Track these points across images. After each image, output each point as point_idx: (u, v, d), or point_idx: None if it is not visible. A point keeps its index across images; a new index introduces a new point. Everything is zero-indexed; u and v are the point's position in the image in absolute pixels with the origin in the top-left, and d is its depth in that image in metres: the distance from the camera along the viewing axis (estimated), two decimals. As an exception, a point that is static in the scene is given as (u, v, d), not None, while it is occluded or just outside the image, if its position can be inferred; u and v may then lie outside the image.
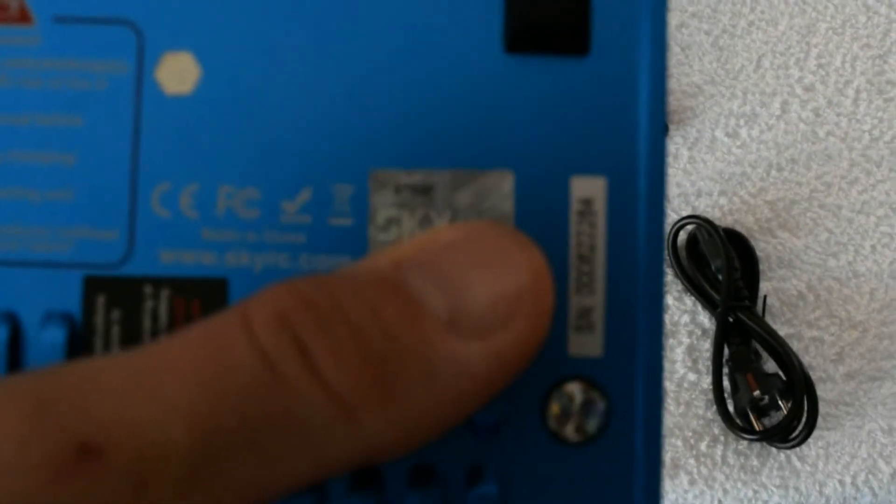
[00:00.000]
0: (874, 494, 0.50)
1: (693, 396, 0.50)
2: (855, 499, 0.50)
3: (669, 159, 0.52)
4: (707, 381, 0.50)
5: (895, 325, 0.51)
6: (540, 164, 0.15)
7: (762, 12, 0.54)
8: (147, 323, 0.15)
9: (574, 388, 0.15)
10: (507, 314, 0.13)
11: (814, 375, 0.48)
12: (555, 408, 0.15)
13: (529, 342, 0.13)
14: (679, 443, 0.49)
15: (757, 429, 0.48)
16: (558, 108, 0.15)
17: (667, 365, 0.50)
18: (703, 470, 0.49)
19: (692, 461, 0.49)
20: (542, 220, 0.15)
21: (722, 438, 0.49)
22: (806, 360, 0.49)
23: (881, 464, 0.50)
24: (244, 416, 0.12)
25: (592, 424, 0.15)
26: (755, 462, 0.49)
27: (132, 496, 0.12)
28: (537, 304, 0.13)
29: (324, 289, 0.13)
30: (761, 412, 0.48)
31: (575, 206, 0.15)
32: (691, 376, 0.50)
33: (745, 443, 0.49)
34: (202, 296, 0.15)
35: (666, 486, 0.49)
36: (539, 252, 0.14)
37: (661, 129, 0.15)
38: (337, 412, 0.13)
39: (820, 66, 0.53)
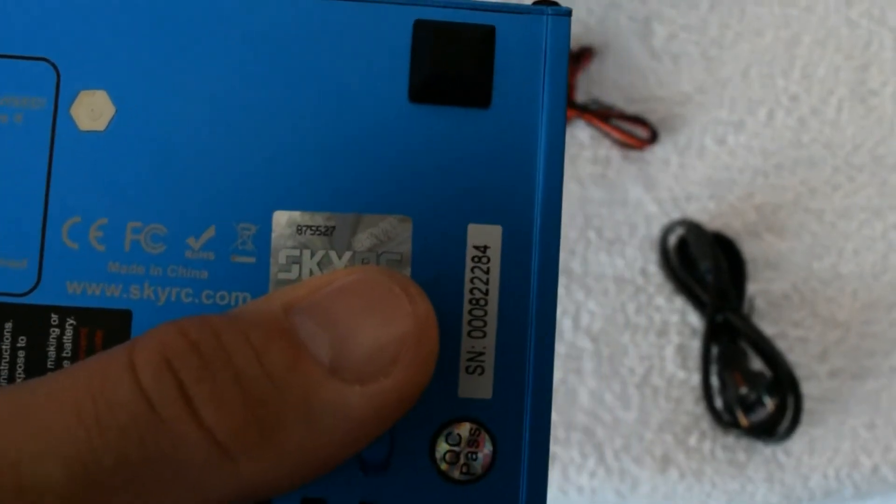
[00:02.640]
0: (856, 487, 0.50)
1: (683, 393, 0.50)
2: (838, 491, 0.50)
3: (661, 165, 0.52)
4: (696, 379, 0.50)
5: (877, 324, 0.51)
6: (438, 211, 0.15)
7: (749, 24, 0.54)
8: (52, 351, 0.15)
9: (462, 429, 0.15)
10: (389, 361, 0.13)
11: (799, 373, 0.49)
12: (443, 447, 0.15)
13: (410, 388, 0.14)
14: (669, 438, 0.50)
15: (744, 424, 0.48)
16: (459, 157, 0.15)
17: (657, 363, 0.51)
18: (693, 464, 0.50)
19: (682, 456, 0.50)
20: (438, 264, 0.15)
21: (710, 434, 0.50)
22: (791, 358, 0.50)
23: (863, 458, 0.50)
24: (123, 456, 0.12)
25: (478, 465, 0.15)
26: (742, 456, 0.50)
27: None
28: (420, 352, 0.13)
29: (210, 331, 0.13)
30: (748, 408, 0.48)
31: (470, 252, 0.15)
32: (681, 374, 0.50)
33: (732, 438, 0.50)
34: (106, 326, 0.15)
35: (656, 480, 0.50)
36: (426, 301, 0.14)
37: (557, 181, 0.15)
38: (215, 454, 0.13)
39: (804, 76, 0.53)
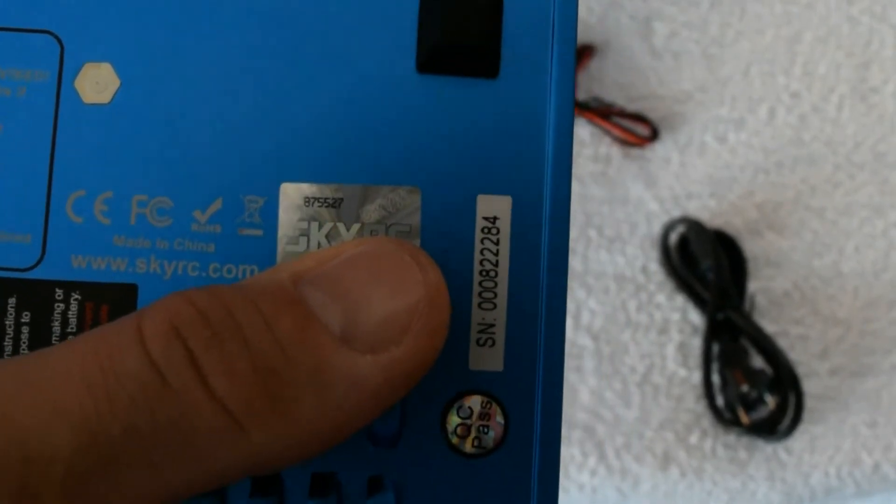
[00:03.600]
0: (857, 485, 0.51)
1: (684, 391, 0.50)
2: (839, 489, 0.50)
3: (661, 163, 0.52)
4: (697, 377, 0.50)
5: (878, 322, 0.51)
6: (447, 182, 0.15)
7: (750, 22, 0.54)
8: (57, 326, 0.15)
9: (473, 402, 0.15)
10: (400, 330, 0.13)
11: (800, 371, 0.49)
12: (454, 420, 0.15)
13: (422, 357, 0.13)
14: (670, 436, 0.50)
15: (745, 422, 0.48)
16: (467, 127, 0.15)
17: (658, 361, 0.51)
18: (694, 462, 0.50)
19: (683, 454, 0.50)
20: (447, 236, 0.15)
21: (711, 432, 0.50)
22: (792, 356, 0.50)
23: (864, 456, 0.50)
24: (131, 425, 0.12)
25: (490, 438, 0.15)
26: (743, 454, 0.50)
27: (15, 498, 0.12)
28: (431, 321, 0.13)
29: (219, 300, 0.13)
30: (749, 406, 0.48)
31: (480, 224, 0.15)
32: (682, 372, 0.50)
33: (733, 436, 0.50)
34: (111, 301, 0.15)
35: (657, 478, 0.50)
36: (436, 270, 0.14)
37: (567, 151, 0.15)
38: (225, 423, 0.13)
39: (805, 73, 0.53)
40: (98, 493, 0.12)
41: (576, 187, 0.51)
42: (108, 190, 0.15)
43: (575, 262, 0.51)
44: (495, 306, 0.15)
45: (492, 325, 0.15)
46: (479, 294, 0.15)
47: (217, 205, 0.15)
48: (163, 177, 0.15)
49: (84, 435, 0.12)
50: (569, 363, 0.51)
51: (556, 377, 0.15)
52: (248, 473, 0.13)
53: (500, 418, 0.15)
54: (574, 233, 0.51)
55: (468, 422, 0.15)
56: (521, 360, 0.15)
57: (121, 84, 0.15)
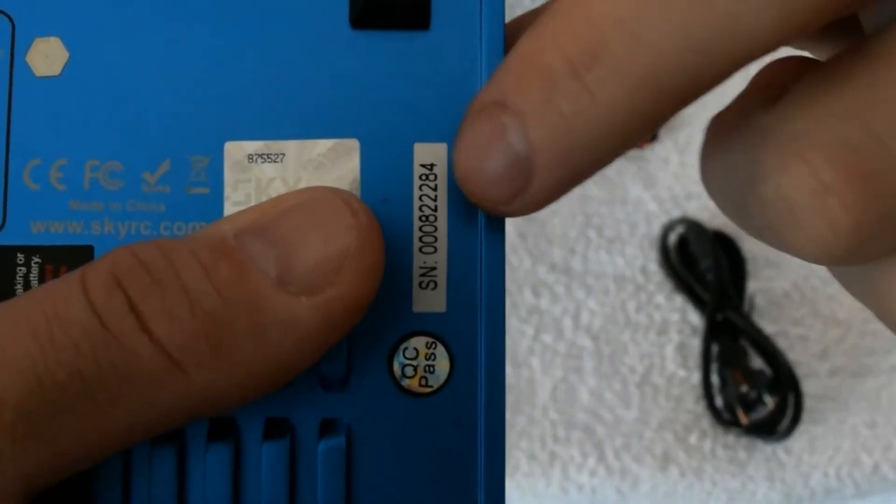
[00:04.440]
0: (857, 486, 0.51)
1: (683, 392, 0.50)
2: (838, 490, 0.51)
3: (661, 163, 0.52)
4: (696, 377, 0.50)
5: (877, 322, 0.51)
6: (384, 132, 0.16)
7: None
8: (20, 289, 0.16)
9: (419, 343, 0.16)
10: (333, 272, 0.14)
11: (799, 371, 0.49)
12: (400, 361, 0.16)
13: (356, 298, 0.14)
14: (670, 436, 0.50)
15: (744, 423, 0.48)
16: (402, 79, 0.16)
17: (658, 361, 0.51)
18: (693, 462, 0.50)
19: (682, 454, 0.50)
20: (386, 184, 0.16)
21: (711, 432, 0.50)
22: (791, 356, 0.50)
23: (864, 456, 0.50)
24: (76, 370, 0.13)
25: (436, 377, 0.16)
26: (743, 455, 0.50)
27: None
28: (363, 262, 0.14)
29: (160, 251, 0.14)
30: (748, 407, 0.49)
31: (418, 171, 0.16)
32: (681, 373, 0.51)
33: (732, 436, 0.50)
34: (70, 262, 0.16)
35: (657, 479, 0.50)
36: (369, 214, 0.14)
37: None
38: (166, 366, 0.13)
39: None
40: (47, 436, 0.13)
41: (575, 188, 0.51)
42: (63, 157, 0.16)
43: (575, 263, 0.51)
44: (436, 250, 0.16)
45: (433, 269, 0.16)
46: (420, 238, 0.16)
47: (165, 166, 0.16)
48: (113, 142, 0.16)
49: (31, 380, 0.13)
50: (568, 363, 0.51)
51: (498, 316, 0.16)
52: (193, 415, 0.14)
53: (445, 358, 0.16)
54: (574, 233, 0.51)
55: (414, 362, 0.16)
56: (463, 301, 0.16)
57: (70, 56, 0.16)
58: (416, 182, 0.16)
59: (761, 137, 0.14)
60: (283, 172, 0.16)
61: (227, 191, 0.16)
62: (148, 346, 0.13)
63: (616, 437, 0.50)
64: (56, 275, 0.16)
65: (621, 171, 0.52)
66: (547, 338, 0.51)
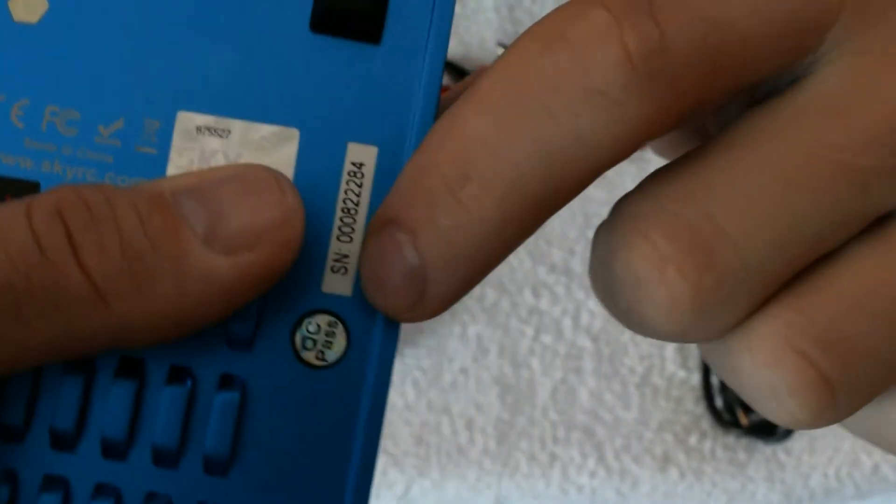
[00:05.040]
0: (857, 486, 0.51)
1: (683, 393, 0.50)
2: (838, 490, 0.51)
3: (660, 164, 0.53)
4: (696, 378, 0.51)
5: None
6: (324, 128, 0.17)
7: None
8: None
9: (322, 320, 0.17)
10: (255, 239, 0.16)
11: (799, 372, 0.50)
12: (302, 333, 0.17)
13: (271, 266, 0.16)
14: (670, 437, 0.50)
15: (744, 424, 0.49)
16: (348, 84, 0.18)
17: (657, 362, 0.51)
18: (693, 464, 0.50)
19: (682, 455, 0.50)
20: (318, 173, 0.17)
21: (710, 433, 0.50)
22: (791, 357, 0.51)
23: (863, 457, 0.51)
24: (9, 283, 0.15)
25: (331, 353, 0.17)
26: (742, 456, 0.50)
27: None
28: (283, 236, 0.16)
29: (102, 194, 0.15)
30: (748, 408, 0.49)
31: (347, 167, 0.17)
32: (681, 373, 0.51)
33: (732, 437, 0.50)
34: (15, 193, 0.17)
35: (657, 480, 0.50)
36: (296, 196, 0.16)
37: (431, 113, 0.18)
38: (91, 294, 0.15)
39: None
40: None
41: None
42: (25, 98, 0.17)
43: (575, 263, 0.51)
44: (352, 240, 0.17)
45: (346, 256, 0.17)
46: (339, 228, 0.17)
47: (119, 123, 0.17)
48: (75, 92, 0.17)
49: None
50: (568, 364, 0.51)
51: None
52: (108, 344, 0.16)
53: (343, 338, 0.17)
54: (574, 233, 0.51)
55: (315, 337, 0.17)
56: None
57: (48, 8, 0.17)
58: (345, 177, 0.17)
59: (613, 219, 0.16)
60: (227, 148, 0.17)
61: (173, 155, 0.17)
62: (78, 273, 0.15)
63: (616, 438, 0.50)
64: (1, 201, 0.17)
65: (621, 172, 0.52)
66: (547, 338, 0.51)
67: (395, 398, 0.51)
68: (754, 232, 0.15)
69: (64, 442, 0.17)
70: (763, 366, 0.16)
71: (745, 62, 0.16)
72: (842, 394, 0.16)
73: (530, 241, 0.53)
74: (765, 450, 0.50)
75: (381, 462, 0.50)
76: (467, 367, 0.51)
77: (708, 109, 0.17)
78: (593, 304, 0.51)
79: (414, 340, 0.52)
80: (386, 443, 0.50)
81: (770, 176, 0.16)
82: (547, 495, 0.50)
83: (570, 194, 0.16)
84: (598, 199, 0.51)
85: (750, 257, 0.15)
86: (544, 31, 0.16)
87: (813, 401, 0.16)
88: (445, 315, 0.53)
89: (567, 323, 0.51)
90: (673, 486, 0.50)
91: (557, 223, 0.52)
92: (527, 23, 0.53)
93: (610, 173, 0.52)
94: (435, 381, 0.51)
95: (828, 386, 0.16)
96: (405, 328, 0.53)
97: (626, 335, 0.51)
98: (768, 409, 0.16)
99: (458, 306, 0.52)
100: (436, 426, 0.51)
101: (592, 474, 0.50)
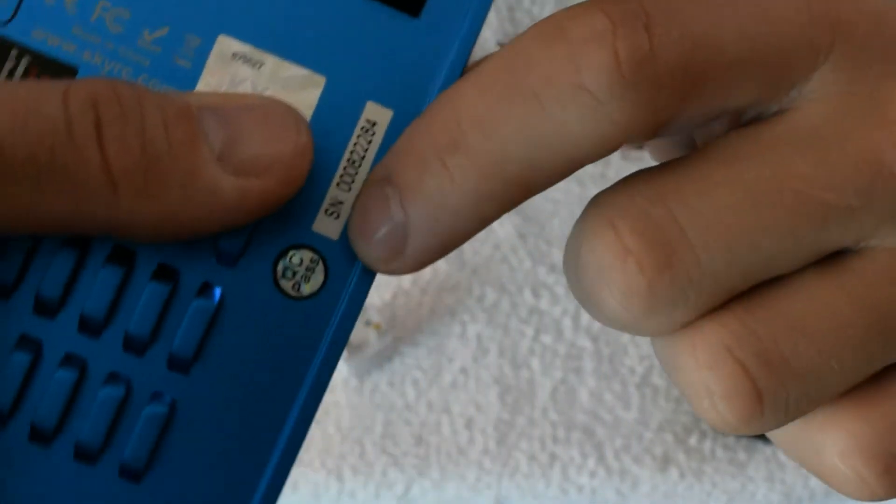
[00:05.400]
0: (856, 487, 0.51)
1: (683, 393, 0.51)
2: (838, 491, 0.51)
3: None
4: (696, 378, 0.51)
5: None
6: (349, 82, 0.19)
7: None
8: (2, 78, 0.19)
9: (305, 255, 0.18)
10: (263, 168, 0.17)
11: (799, 372, 0.50)
12: (285, 262, 0.19)
13: (271, 196, 0.17)
14: (669, 437, 0.50)
15: (744, 424, 0.49)
16: (381, 47, 0.19)
17: (657, 363, 0.51)
18: (693, 463, 0.50)
19: (682, 455, 0.50)
20: (333, 122, 0.19)
21: (711, 433, 0.50)
22: (791, 357, 0.51)
23: (863, 457, 0.51)
24: (33, 154, 0.16)
25: (307, 287, 0.18)
26: (742, 456, 0.50)
27: None
28: (288, 171, 0.17)
29: (135, 92, 0.17)
30: (748, 408, 0.49)
31: (361, 123, 0.19)
32: (681, 373, 0.51)
33: (732, 437, 0.50)
34: (52, 73, 0.18)
35: (657, 479, 0.50)
36: (309, 138, 0.17)
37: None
38: (104, 182, 0.16)
39: None
40: None
41: (575, 189, 0.51)
42: None
43: (574, 264, 0.51)
44: (350, 189, 0.18)
45: (341, 203, 0.18)
46: (341, 176, 0.19)
47: (163, 31, 0.19)
48: None
49: None
50: (568, 364, 0.51)
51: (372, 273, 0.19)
52: (107, 231, 0.17)
53: (320, 276, 0.18)
54: (573, 234, 0.51)
55: (296, 268, 0.18)
56: None
57: None
58: (357, 131, 0.19)
59: (589, 206, 0.18)
60: (256, 78, 0.19)
61: (205, 74, 0.19)
62: (98, 161, 0.16)
63: (616, 439, 0.50)
64: (38, 78, 0.18)
65: (621, 172, 0.52)
66: (547, 339, 0.51)
67: (395, 398, 0.51)
68: (714, 243, 0.17)
69: (46, 308, 0.18)
70: (703, 367, 0.17)
71: (727, 85, 0.17)
72: (769, 406, 0.17)
73: (530, 242, 0.53)
74: (765, 450, 0.50)
75: (381, 462, 0.50)
76: (467, 367, 0.51)
77: (687, 124, 0.18)
78: (593, 305, 0.51)
79: (414, 340, 0.52)
80: (386, 443, 0.50)
81: (738, 194, 0.17)
82: (547, 495, 0.50)
83: (547, 181, 0.17)
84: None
85: (706, 265, 0.17)
86: (549, 26, 0.17)
87: (742, 407, 0.17)
88: (445, 315, 0.53)
89: (567, 323, 0.51)
90: (673, 487, 0.50)
91: (557, 223, 0.52)
92: (526, 23, 0.53)
93: (610, 173, 0.52)
94: (435, 381, 0.51)
95: (758, 397, 0.17)
96: (405, 328, 0.53)
97: (627, 335, 0.51)
98: (701, 407, 0.17)
99: (458, 306, 0.52)
100: (436, 426, 0.51)
101: (592, 474, 0.50)
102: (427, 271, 0.53)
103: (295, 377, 0.18)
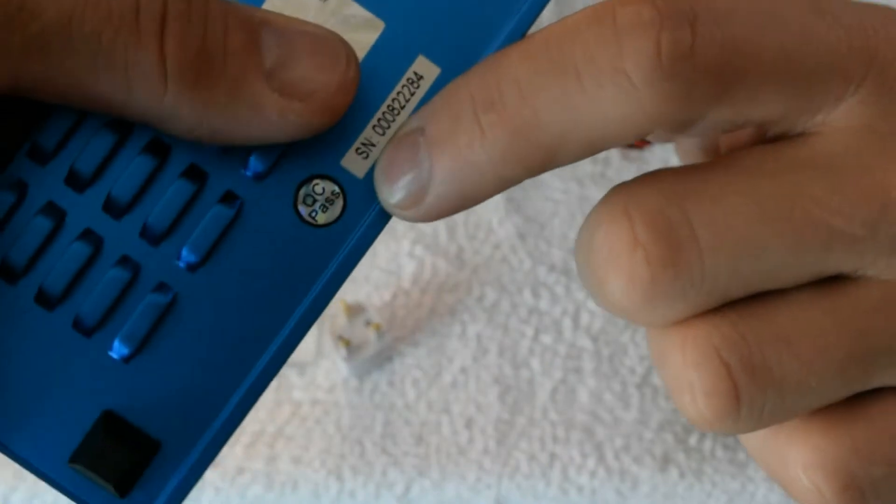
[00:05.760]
0: (856, 487, 0.51)
1: (683, 393, 0.51)
2: (838, 491, 0.51)
3: (660, 164, 0.53)
4: (696, 379, 0.51)
5: None
6: (406, 32, 0.19)
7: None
8: None
9: (328, 185, 0.19)
10: (307, 93, 0.18)
11: (799, 373, 0.50)
12: (307, 188, 0.19)
13: (308, 120, 0.18)
14: (670, 437, 0.50)
15: (744, 424, 0.49)
16: (446, 6, 0.19)
17: (658, 363, 0.51)
18: (693, 464, 0.50)
19: (682, 455, 0.50)
20: (382, 66, 0.19)
21: (710, 433, 0.50)
22: (791, 358, 0.51)
23: (863, 457, 0.51)
24: (98, 30, 0.16)
25: (322, 217, 0.19)
26: (742, 456, 0.50)
27: None
28: (330, 102, 0.18)
29: None
30: (748, 408, 0.49)
31: (409, 74, 0.19)
32: (681, 374, 0.51)
33: (732, 437, 0.50)
34: None
35: (657, 480, 0.50)
36: (357, 75, 0.18)
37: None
38: (157, 73, 0.17)
39: None
40: (40, 58, 0.17)
41: (575, 189, 0.51)
42: None
43: (574, 264, 0.51)
44: (384, 134, 0.19)
45: (373, 145, 0.19)
46: (378, 119, 0.19)
47: None
48: None
49: (63, 13, 0.16)
50: (568, 364, 0.51)
51: (384, 217, 0.19)
52: (147, 120, 0.18)
53: (338, 209, 0.19)
54: (573, 234, 0.51)
55: (317, 196, 0.19)
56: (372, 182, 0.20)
57: None
58: (403, 81, 0.19)
59: (609, 194, 0.19)
60: (320, 10, 0.19)
61: None
62: (156, 50, 0.17)
63: (616, 439, 0.50)
64: None
65: (621, 172, 0.52)
66: (546, 339, 0.51)
67: (395, 398, 0.51)
68: (721, 248, 0.17)
69: (77, 181, 0.19)
70: (690, 363, 0.18)
71: (757, 95, 0.18)
72: (746, 409, 0.18)
73: (530, 241, 0.53)
74: (765, 450, 0.51)
75: (381, 462, 0.50)
76: (467, 367, 0.51)
77: (714, 127, 0.18)
78: (593, 305, 0.51)
79: (414, 340, 0.52)
80: (386, 443, 0.50)
81: (751, 206, 0.18)
82: (547, 495, 0.50)
83: (571, 155, 0.18)
84: (598, 198, 0.51)
85: (709, 268, 0.17)
86: (602, 9, 0.18)
87: (720, 406, 0.18)
88: (445, 315, 0.53)
89: (567, 323, 0.51)
90: (673, 487, 0.50)
91: (557, 223, 0.52)
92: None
93: (610, 173, 0.52)
94: (435, 381, 0.51)
95: (737, 399, 0.18)
96: (405, 328, 0.53)
97: (626, 335, 0.51)
98: (681, 401, 0.18)
99: (458, 306, 0.52)
100: (436, 426, 0.51)
101: (592, 474, 0.50)
102: (427, 271, 0.53)
103: (292, 298, 0.19)
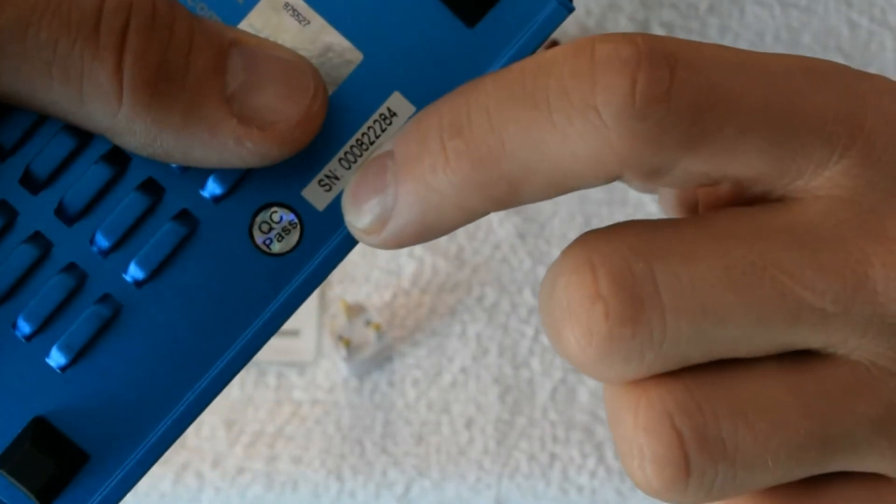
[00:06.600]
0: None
1: (683, 393, 0.51)
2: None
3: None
4: (696, 379, 0.51)
5: None
6: (384, 67, 0.19)
7: (749, 25, 0.55)
8: None
9: (286, 215, 0.19)
10: (267, 122, 0.17)
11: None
12: (264, 215, 0.19)
13: (267, 149, 0.18)
14: (669, 437, 0.50)
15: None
16: (427, 44, 0.19)
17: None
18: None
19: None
20: (355, 99, 0.19)
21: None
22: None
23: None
24: (56, 38, 0.16)
25: (276, 246, 0.19)
26: (742, 456, 0.51)
27: None
28: (292, 132, 0.18)
29: (172, 11, 0.17)
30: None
31: (382, 109, 0.19)
32: (681, 374, 0.51)
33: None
34: None
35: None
36: (323, 106, 0.18)
37: None
38: (112, 88, 0.17)
39: None
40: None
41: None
42: None
43: (574, 264, 0.51)
44: (349, 168, 0.19)
45: (337, 178, 0.19)
46: (345, 153, 0.19)
47: None
48: None
49: (22, 16, 0.16)
50: (568, 364, 0.51)
51: (349, 246, 0.19)
52: (102, 131, 0.17)
53: (294, 240, 0.19)
54: (573, 234, 0.51)
55: (273, 225, 0.19)
56: (337, 214, 0.19)
57: None
58: (375, 116, 0.19)
59: (576, 242, 0.18)
60: (298, 33, 0.19)
61: (252, 13, 0.19)
62: (112, 65, 0.16)
63: (616, 438, 0.50)
64: None
65: (621, 173, 0.52)
66: (546, 339, 0.51)
67: (395, 398, 0.51)
68: (684, 310, 0.17)
69: (32, 183, 0.18)
70: (641, 427, 0.17)
71: (733, 150, 0.17)
72: (695, 482, 0.17)
73: (530, 241, 0.53)
74: (764, 450, 0.51)
75: (381, 462, 0.50)
76: (467, 367, 0.51)
77: (688, 179, 0.18)
78: (593, 305, 0.51)
79: (414, 340, 0.52)
80: (386, 442, 0.50)
81: (719, 270, 0.17)
82: (547, 495, 0.50)
83: (536, 191, 0.17)
84: (598, 199, 0.51)
85: (670, 330, 0.17)
86: (582, 43, 0.17)
87: (668, 476, 0.17)
88: (445, 315, 0.53)
89: (567, 323, 0.51)
90: (672, 487, 0.50)
91: (557, 223, 0.52)
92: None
93: (610, 174, 0.52)
94: (435, 380, 0.51)
95: (686, 471, 0.17)
96: (405, 328, 0.53)
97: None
98: (629, 465, 0.17)
99: (458, 306, 0.52)
100: (436, 426, 0.51)
101: (592, 474, 0.50)
102: (427, 271, 0.53)
103: (238, 325, 0.19)
